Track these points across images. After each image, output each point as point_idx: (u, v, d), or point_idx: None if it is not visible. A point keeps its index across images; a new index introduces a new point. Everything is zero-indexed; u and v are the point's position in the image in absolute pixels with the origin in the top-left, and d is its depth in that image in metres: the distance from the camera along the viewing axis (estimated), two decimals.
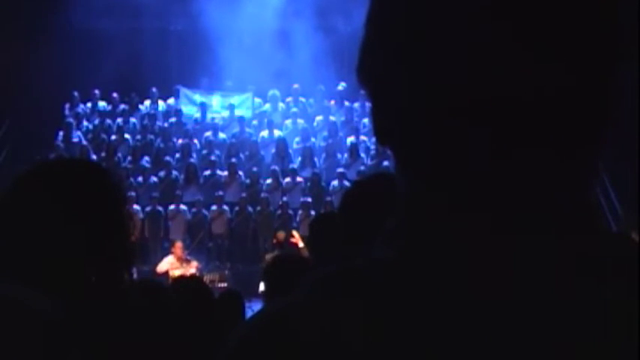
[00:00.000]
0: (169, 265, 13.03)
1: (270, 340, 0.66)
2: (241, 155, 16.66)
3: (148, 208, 15.20)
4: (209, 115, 17.72)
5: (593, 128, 0.68)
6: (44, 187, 1.63)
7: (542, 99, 0.65)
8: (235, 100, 17.79)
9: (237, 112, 17.66)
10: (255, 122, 17.57)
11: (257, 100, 17.94)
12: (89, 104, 17.74)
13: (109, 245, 1.62)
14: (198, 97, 17.80)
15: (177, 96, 17.93)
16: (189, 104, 17.75)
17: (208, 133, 17.07)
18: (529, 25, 0.65)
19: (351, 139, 16.65)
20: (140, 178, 15.84)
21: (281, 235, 13.89)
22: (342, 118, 17.39)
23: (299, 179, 15.99)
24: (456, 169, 0.67)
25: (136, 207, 14.19)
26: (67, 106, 17.57)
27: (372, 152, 16.11)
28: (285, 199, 15.62)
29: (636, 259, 0.66)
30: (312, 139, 17.07)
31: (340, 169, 15.85)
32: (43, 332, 1.36)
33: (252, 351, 0.66)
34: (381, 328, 0.63)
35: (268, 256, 12.84)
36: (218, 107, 17.79)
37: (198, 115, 17.70)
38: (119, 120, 17.28)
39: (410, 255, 0.67)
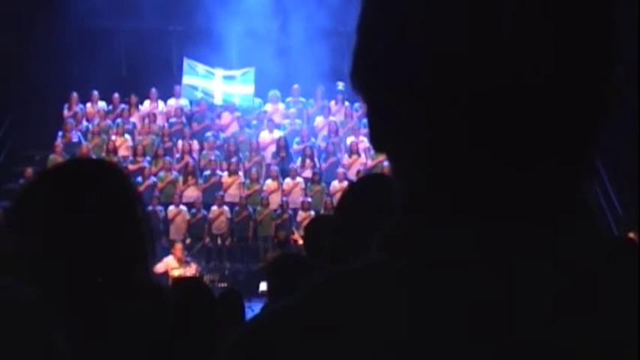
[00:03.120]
0: (167, 265, 13.02)
1: (268, 343, 0.65)
2: (241, 155, 16.66)
3: (148, 208, 15.19)
4: (209, 96, 17.73)
5: (589, 125, 0.69)
6: (59, 188, 1.63)
7: (540, 90, 0.65)
8: (238, 74, 17.80)
9: (240, 89, 17.66)
10: (255, 122, 17.57)
11: (257, 100, 17.94)
12: (89, 104, 17.73)
13: (123, 245, 1.62)
14: (201, 69, 17.79)
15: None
16: (192, 75, 17.73)
17: (208, 134, 17.08)
18: (527, 12, 0.65)
19: (351, 139, 16.65)
20: (140, 178, 15.85)
21: (282, 235, 13.90)
22: (342, 118, 17.40)
23: (299, 179, 16.00)
24: (455, 171, 0.67)
25: None
26: (67, 106, 17.56)
27: (372, 152, 16.10)
28: (285, 199, 15.63)
29: (633, 259, 0.66)
30: (312, 139, 17.08)
31: (340, 169, 15.86)
32: (22, 315, 1.35)
33: (250, 353, 0.66)
34: (381, 332, 0.63)
35: (269, 255, 12.85)
36: (220, 81, 17.78)
37: (200, 95, 17.70)
38: (119, 120, 17.28)
39: (410, 257, 0.67)
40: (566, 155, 0.68)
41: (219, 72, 17.72)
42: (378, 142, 0.73)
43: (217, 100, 17.77)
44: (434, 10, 0.67)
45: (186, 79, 17.69)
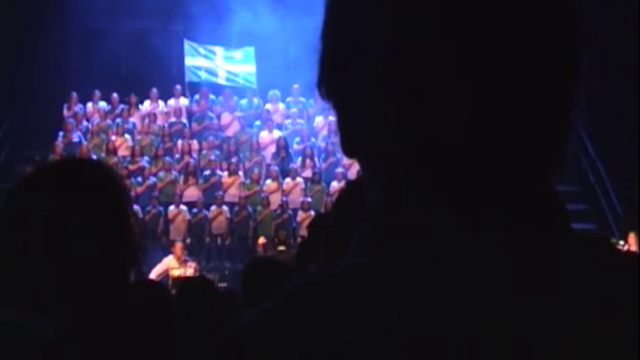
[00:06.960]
0: (167, 265, 13.03)
1: (248, 347, 0.65)
2: (241, 155, 16.66)
3: (148, 208, 15.20)
4: (214, 76, 17.75)
5: (556, 120, 0.69)
6: (48, 188, 1.62)
7: (516, 77, 0.65)
8: (238, 54, 17.80)
9: (242, 68, 17.66)
10: (258, 122, 17.54)
11: (257, 100, 17.94)
12: (89, 104, 17.72)
13: (115, 246, 1.62)
14: (202, 50, 17.80)
15: (182, 51, 17.90)
16: (194, 56, 17.71)
17: (208, 133, 17.08)
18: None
19: None
20: (140, 178, 15.85)
21: (262, 240, 13.91)
22: None
23: (299, 179, 16.00)
24: (433, 168, 0.67)
25: (135, 207, 14.19)
26: (67, 106, 17.56)
27: None
28: (285, 199, 15.62)
29: (608, 258, 0.66)
30: (312, 139, 17.08)
31: (340, 169, 15.86)
32: (43, 354, 1.35)
33: (230, 357, 0.66)
34: (359, 335, 0.63)
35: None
36: (221, 61, 17.79)
37: (204, 75, 17.71)
38: (119, 120, 17.28)
39: (385, 260, 0.67)
40: (545, 149, 0.68)
41: (220, 51, 17.72)
42: (350, 147, 0.72)
43: (221, 80, 17.75)
44: (398, 7, 0.66)
45: (189, 61, 17.66)
